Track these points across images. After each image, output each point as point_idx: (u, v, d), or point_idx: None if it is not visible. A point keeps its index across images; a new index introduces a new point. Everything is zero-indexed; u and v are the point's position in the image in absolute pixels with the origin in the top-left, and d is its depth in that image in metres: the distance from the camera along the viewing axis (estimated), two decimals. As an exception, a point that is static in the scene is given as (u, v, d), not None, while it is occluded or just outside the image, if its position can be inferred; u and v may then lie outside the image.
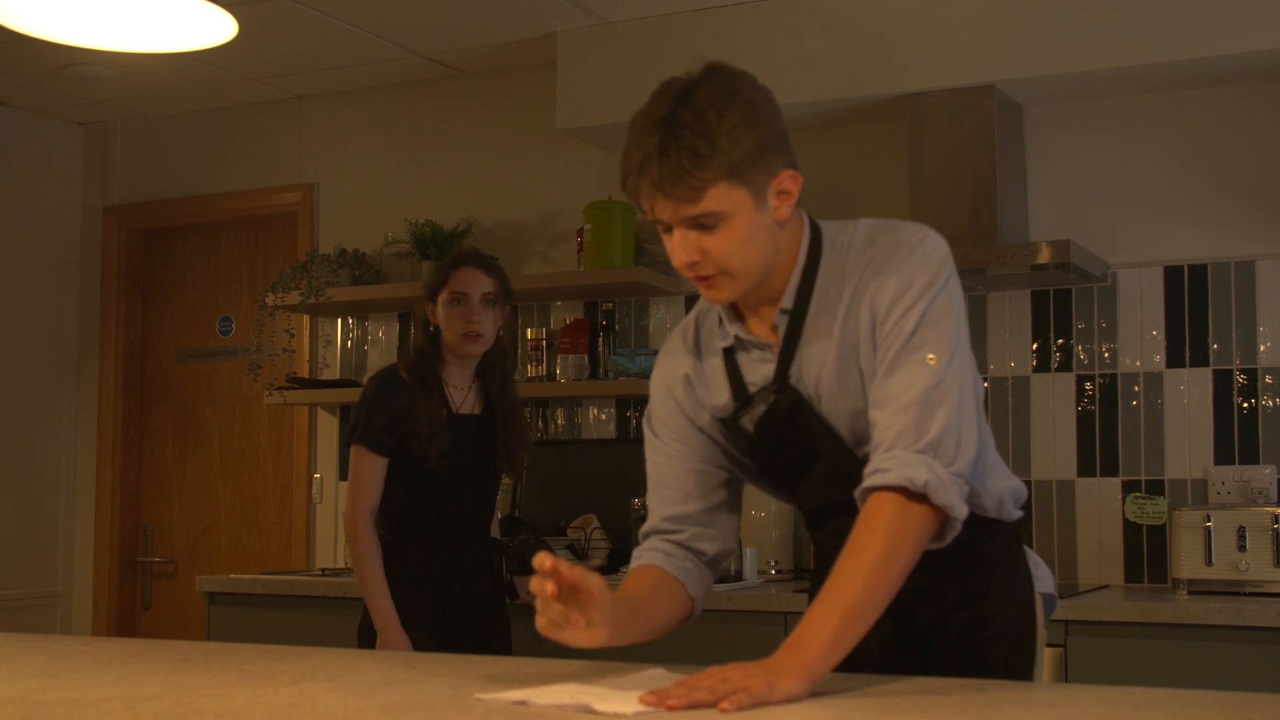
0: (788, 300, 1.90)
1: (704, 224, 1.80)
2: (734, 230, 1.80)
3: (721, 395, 1.98)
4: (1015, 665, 1.95)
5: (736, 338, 1.95)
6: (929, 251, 1.86)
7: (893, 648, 1.95)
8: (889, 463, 1.76)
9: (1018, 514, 2.01)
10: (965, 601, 1.96)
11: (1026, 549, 2.05)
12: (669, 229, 1.83)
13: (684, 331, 2.04)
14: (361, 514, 3.38)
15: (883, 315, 1.84)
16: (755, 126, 1.79)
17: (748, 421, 1.96)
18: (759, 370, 1.95)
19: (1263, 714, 1.49)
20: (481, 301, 3.42)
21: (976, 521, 1.86)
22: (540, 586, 1.67)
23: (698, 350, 2.01)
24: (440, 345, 3.46)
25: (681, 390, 2.01)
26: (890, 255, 1.86)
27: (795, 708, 1.57)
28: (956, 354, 1.82)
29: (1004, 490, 1.96)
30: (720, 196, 1.78)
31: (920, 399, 1.78)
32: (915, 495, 1.74)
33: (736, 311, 1.97)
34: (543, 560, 1.65)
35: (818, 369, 1.90)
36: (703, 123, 1.75)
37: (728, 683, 1.57)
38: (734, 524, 2.05)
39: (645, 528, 2.03)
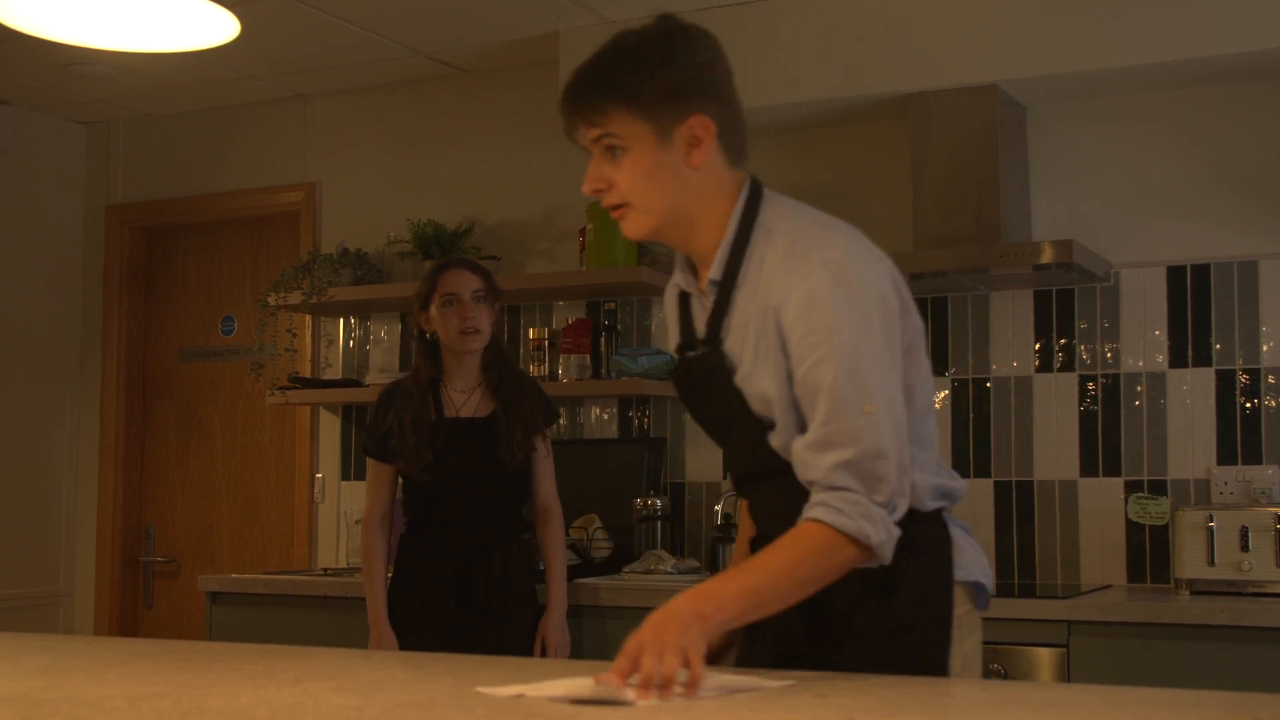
0: (716, 272, 1.94)
1: (610, 148, 1.87)
2: (636, 162, 1.87)
3: (675, 332, 2.05)
4: (924, 660, 1.90)
5: (682, 291, 2.02)
6: (837, 282, 1.81)
7: (804, 634, 1.96)
8: (848, 507, 1.77)
9: (935, 505, 1.96)
10: (868, 592, 1.91)
11: (960, 536, 1.99)
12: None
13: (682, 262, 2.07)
14: (369, 518, 3.61)
15: (796, 348, 1.82)
16: (667, 66, 1.87)
17: (683, 367, 2.02)
18: (702, 321, 2.00)
19: (1267, 714, 1.49)
20: (473, 298, 3.54)
21: None
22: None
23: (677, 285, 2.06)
24: (440, 354, 3.57)
25: (672, 305, 2.07)
26: (801, 280, 1.83)
27: (799, 706, 1.56)
28: (879, 389, 1.81)
29: (925, 488, 1.93)
30: (618, 124, 1.86)
31: (867, 455, 1.78)
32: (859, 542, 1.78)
33: (689, 261, 2.01)
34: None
35: (740, 343, 1.92)
36: (617, 57, 1.88)
37: (650, 678, 1.61)
38: None
39: None
